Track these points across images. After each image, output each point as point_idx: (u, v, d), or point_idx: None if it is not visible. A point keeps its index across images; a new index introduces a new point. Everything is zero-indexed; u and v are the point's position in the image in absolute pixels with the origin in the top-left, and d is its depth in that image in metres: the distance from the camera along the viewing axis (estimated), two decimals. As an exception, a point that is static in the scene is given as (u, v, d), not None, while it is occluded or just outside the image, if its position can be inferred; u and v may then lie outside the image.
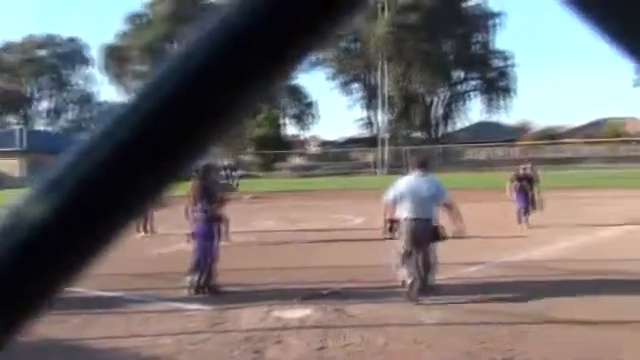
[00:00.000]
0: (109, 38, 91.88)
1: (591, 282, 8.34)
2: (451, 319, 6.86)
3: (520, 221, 14.77)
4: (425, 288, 7.84)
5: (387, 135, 59.88)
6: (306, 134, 72.39)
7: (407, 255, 7.91)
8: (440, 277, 8.70)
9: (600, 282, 8.30)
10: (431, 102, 72.81)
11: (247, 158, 58.11)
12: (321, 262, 10.55)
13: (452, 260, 9.94)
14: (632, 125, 65.50)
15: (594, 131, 64.61)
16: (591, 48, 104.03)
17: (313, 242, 13.04)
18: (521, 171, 15.68)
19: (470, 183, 31.96)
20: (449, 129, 72.48)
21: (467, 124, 72.34)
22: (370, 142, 65.71)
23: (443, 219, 8.23)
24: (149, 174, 0.31)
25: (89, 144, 0.31)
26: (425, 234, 7.84)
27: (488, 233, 13.54)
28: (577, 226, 14.18)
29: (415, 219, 7.81)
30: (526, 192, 15.14)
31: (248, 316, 7.13)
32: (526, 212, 14.96)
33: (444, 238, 8.01)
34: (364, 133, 73.20)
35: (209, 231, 8.55)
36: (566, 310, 7.01)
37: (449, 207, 8.11)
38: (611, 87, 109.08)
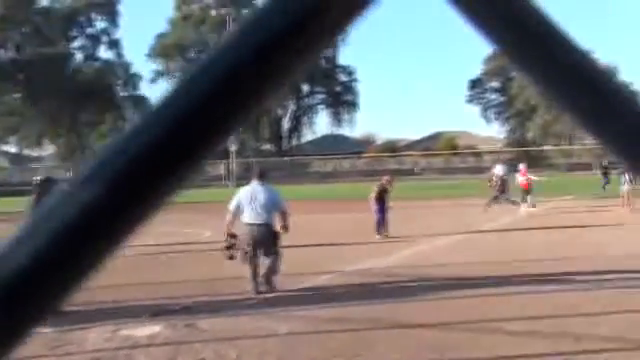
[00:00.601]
0: None
1: (432, 287, 8.84)
2: (302, 329, 6.96)
3: (379, 231, 15.28)
4: (270, 288, 8.73)
5: (234, 147, 59.69)
6: (153, 146, 70.55)
7: (248, 257, 8.80)
8: (291, 287, 8.83)
9: (439, 286, 8.82)
10: (280, 115, 73.71)
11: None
12: (172, 277, 10.30)
13: (303, 270, 10.12)
14: (464, 138, 70.44)
15: (431, 144, 68.68)
16: (428, 66, 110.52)
17: (164, 256, 12.71)
18: (385, 183, 16.16)
19: (318, 194, 32.71)
20: (297, 141, 73.80)
21: (314, 137, 74.15)
22: (219, 154, 65.13)
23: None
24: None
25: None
26: (265, 237, 8.77)
27: (338, 242, 13.94)
28: (419, 234, 14.97)
29: (255, 224, 8.74)
30: (384, 203, 15.74)
31: (94, 336, 6.80)
32: (383, 222, 15.53)
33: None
34: (213, 145, 72.44)
35: None
36: (410, 313, 7.38)
37: (283, 215, 9.04)
38: (446, 103, 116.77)
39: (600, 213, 18.81)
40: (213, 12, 71.29)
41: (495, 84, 74.42)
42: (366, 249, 12.89)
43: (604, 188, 27.49)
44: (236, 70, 0.35)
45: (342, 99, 74.13)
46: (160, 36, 73.09)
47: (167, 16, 78.40)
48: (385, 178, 16.46)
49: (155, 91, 76.40)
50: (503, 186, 21.73)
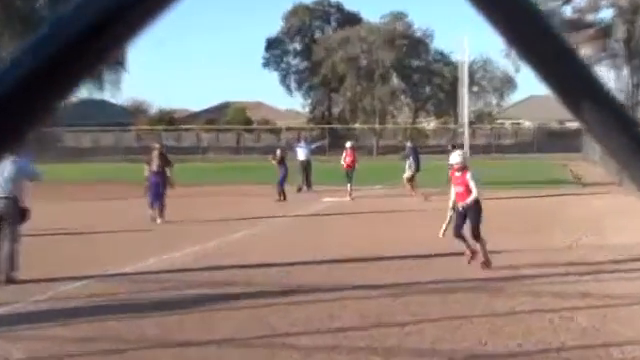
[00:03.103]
0: None
1: (210, 295, 8.84)
2: (44, 352, 6.65)
3: (154, 219, 15.30)
4: (11, 277, 9.45)
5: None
6: None
7: None
8: (34, 297, 8.46)
9: (220, 294, 8.86)
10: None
11: None
12: None
13: (52, 273, 9.74)
14: (260, 111, 71.35)
15: (218, 117, 68.57)
16: (214, 19, 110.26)
17: None
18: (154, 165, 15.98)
19: (73, 176, 31.48)
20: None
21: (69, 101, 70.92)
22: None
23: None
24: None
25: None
26: (7, 212, 9.74)
27: (99, 237, 13.54)
28: (201, 230, 14.85)
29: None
30: (158, 185, 15.65)
31: None
32: (158, 207, 15.50)
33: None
34: None
35: None
36: (183, 329, 7.36)
37: (37, 177, 10.54)
38: (237, 67, 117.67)
39: (398, 203, 20.07)
40: None
41: (297, 45, 75.83)
42: (136, 245, 12.61)
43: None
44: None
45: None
46: None
47: None
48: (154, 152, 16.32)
49: None
50: (305, 172, 22.83)
